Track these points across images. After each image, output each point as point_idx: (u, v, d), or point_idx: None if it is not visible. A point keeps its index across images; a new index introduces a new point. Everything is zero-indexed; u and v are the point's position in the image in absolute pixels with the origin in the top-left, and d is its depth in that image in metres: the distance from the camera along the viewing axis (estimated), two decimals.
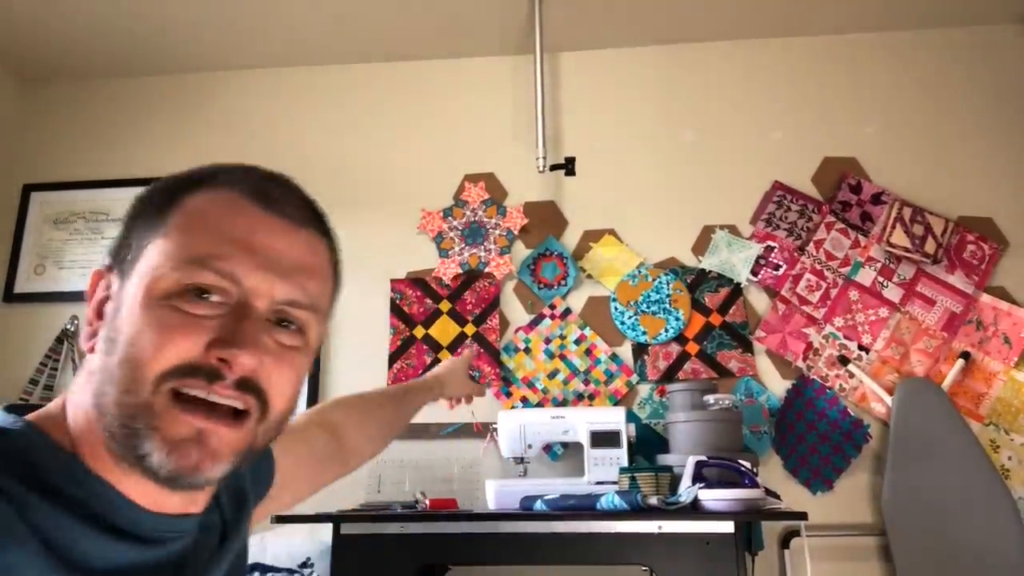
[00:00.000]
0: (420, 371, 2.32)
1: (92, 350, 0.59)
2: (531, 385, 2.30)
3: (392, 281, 2.42)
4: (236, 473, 0.72)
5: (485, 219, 2.44)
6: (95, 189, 2.59)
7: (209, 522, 0.68)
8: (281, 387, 0.60)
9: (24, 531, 0.50)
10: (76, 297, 2.49)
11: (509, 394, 2.29)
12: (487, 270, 2.39)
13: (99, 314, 0.61)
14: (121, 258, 0.61)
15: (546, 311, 2.35)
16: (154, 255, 0.58)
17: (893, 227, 2.28)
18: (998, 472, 1.97)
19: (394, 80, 2.65)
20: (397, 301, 2.40)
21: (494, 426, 2.09)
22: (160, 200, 0.62)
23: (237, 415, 0.57)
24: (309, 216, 0.65)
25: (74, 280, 2.52)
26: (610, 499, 1.64)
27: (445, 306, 2.38)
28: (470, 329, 2.34)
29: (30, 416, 0.60)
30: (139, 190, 0.64)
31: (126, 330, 0.56)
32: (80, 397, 0.59)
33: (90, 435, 0.57)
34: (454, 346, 2.34)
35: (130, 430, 0.54)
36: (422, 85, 2.63)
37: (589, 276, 2.37)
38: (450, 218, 2.46)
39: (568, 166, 2.42)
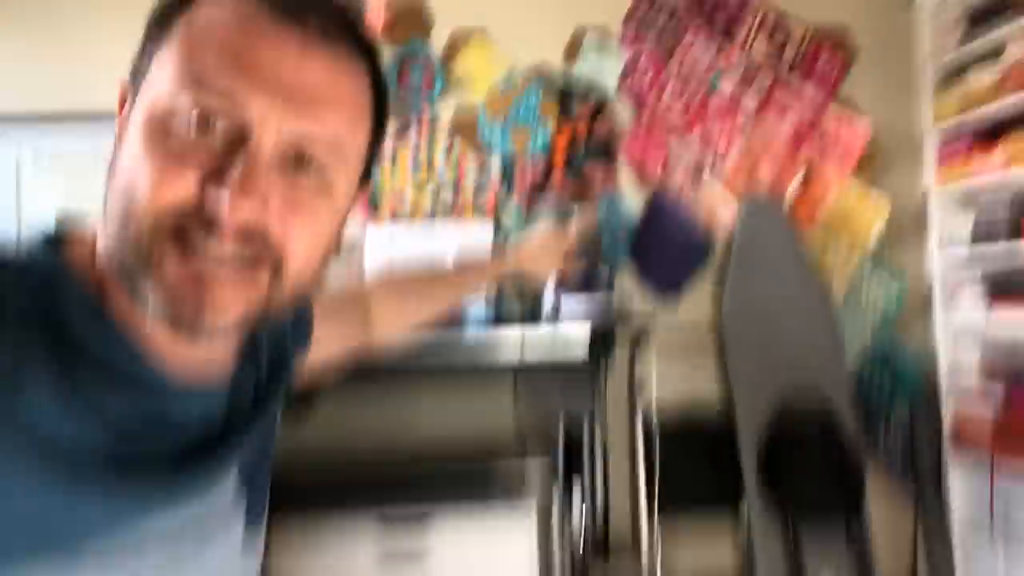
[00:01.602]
0: None
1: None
2: (399, 199, 2.27)
3: None
4: (279, 330, 0.67)
5: None
6: None
7: (240, 382, 0.62)
8: (299, 239, 0.51)
9: (41, 376, 0.47)
10: None
11: (377, 207, 2.26)
12: None
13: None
14: (136, 70, 0.53)
15: (412, 120, 2.27)
16: (156, 72, 0.50)
17: (756, 34, 2.30)
18: (823, 276, 2.20)
19: None
20: None
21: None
22: (173, 3, 0.52)
23: (246, 264, 0.50)
24: (341, 29, 0.53)
25: None
26: (477, 309, 1.73)
27: None
28: None
29: (66, 246, 0.54)
30: None
31: (124, 156, 0.50)
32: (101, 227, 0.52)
33: (111, 273, 0.52)
34: None
35: (128, 269, 0.49)
36: None
37: (457, 83, 2.27)
38: None
39: None
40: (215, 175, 0.48)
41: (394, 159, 2.26)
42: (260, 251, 0.50)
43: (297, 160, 0.51)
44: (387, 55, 2.25)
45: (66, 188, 2.07)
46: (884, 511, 2.27)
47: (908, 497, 2.31)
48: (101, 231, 0.52)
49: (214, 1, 0.51)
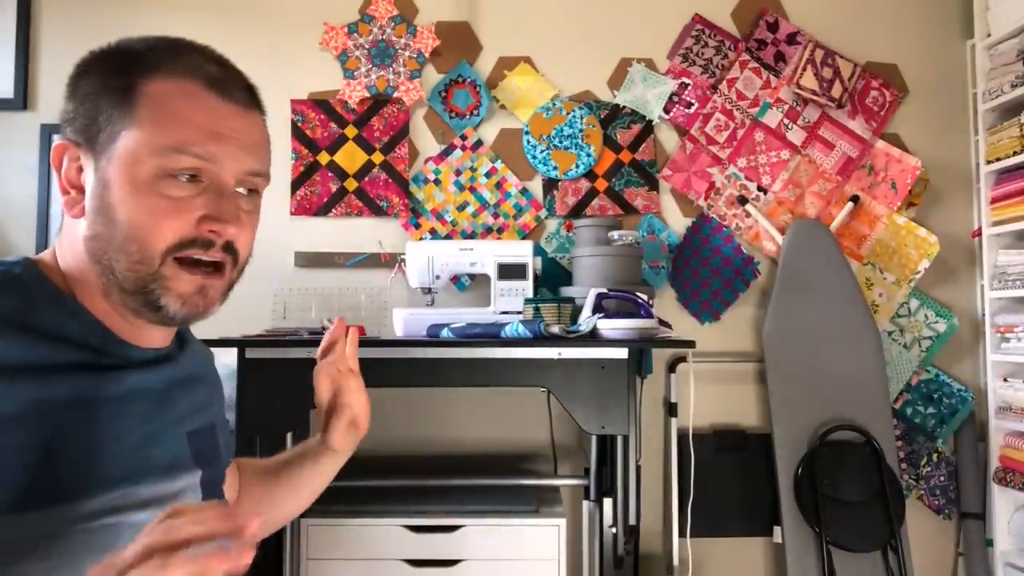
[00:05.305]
0: (324, 199, 2.25)
1: (78, 215, 0.70)
2: (440, 217, 2.28)
3: (293, 102, 2.27)
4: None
5: (394, 38, 2.29)
6: None
7: (171, 354, 0.82)
8: (246, 242, 0.76)
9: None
10: None
11: (418, 225, 2.27)
12: (396, 95, 2.27)
13: (74, 184, 0.71)
14: (90, 136, 0.69)
15: (457, 142, 2.29)
16: (131, 143, 0.68)
17: (804, 69, 2.29)
18: (868, 307, 2.16)
19: None
20: (299, 124, 2.27)
21: (402, 257, 2.09)
22: (119, 82, 0.69)
23: (219, 268, 0.73)
24: (254, 99, 0.77)
25: None
26: (514, 327, 1.70)
27: (351, 132, 2.28)
28: (377, 157, 2.26)
29: (32, 259, 0.72)
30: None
31: (122, 211, 0.68)
32: (73, 254, 0.72)
33: (87, 284, 0.71)
34: (361, 174, 2.26)
35: (147, 292, 0.69)
36: None
37: (503, 107, 2.30)
38: (356, 35, 2.29)
39: None
40: (211, 213, 0.70)
41: (437, 180, 2.28)
42: (229, 256, 0.73)
43: (246, 189, 0.75)
44: (435, 79, 2.29)
45: None
46: (926, 544, 2.21)
47: (951, 530, 2.26)
48: (71, 255, 0.72)
49: (165, 83, 0.70)
